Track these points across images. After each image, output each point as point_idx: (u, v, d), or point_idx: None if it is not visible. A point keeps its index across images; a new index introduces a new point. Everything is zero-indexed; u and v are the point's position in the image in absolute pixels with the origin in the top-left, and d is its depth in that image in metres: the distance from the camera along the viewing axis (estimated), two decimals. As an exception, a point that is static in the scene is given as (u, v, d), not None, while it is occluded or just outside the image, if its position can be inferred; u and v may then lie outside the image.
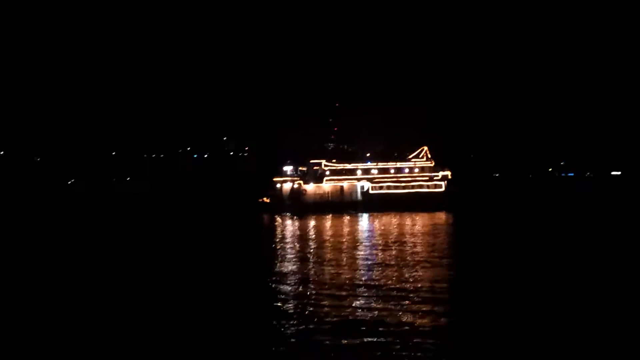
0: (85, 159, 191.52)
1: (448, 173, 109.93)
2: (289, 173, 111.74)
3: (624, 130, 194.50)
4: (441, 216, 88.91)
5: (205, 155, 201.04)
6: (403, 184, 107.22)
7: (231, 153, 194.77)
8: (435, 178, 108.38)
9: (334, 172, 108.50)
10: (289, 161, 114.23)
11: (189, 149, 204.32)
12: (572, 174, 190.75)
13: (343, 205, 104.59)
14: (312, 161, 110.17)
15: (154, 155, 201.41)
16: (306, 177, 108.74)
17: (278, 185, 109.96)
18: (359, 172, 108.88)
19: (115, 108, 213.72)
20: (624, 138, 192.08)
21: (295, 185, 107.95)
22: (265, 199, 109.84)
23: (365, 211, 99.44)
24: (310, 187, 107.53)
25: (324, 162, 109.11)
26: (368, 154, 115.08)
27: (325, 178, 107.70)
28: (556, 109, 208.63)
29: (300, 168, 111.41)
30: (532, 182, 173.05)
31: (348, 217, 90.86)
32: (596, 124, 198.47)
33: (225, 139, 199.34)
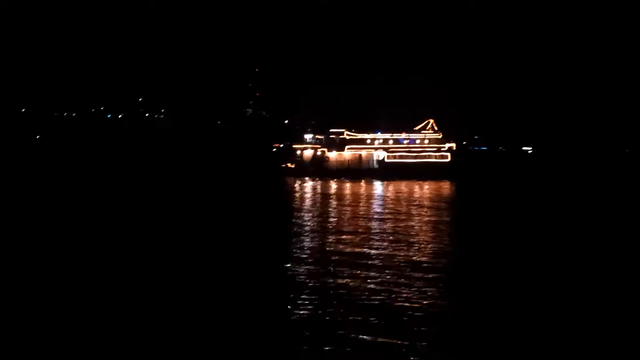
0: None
1: (453, 145, 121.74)
2: (308, 140, 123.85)
3: (536, 106, 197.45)
4: (445, 184, 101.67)
5: (120, 116, 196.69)
6: (414, 154, 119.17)
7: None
8: (442, 149, 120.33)
9: (354, 141, 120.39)
10: (309, 130, 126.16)
11: (102, 108, 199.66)
12: (484, 148, 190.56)
13: (361, 171, 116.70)
14: (332, 130, 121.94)
15: (65, 114, 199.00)
16: (328, 145, 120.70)
17: (298, 152, 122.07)
18: (376, 141, 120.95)
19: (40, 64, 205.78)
20: (536, 113, 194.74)
21: (318, 152, 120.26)
22: (289, 164, 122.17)
23: (380, 178, 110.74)
24: (332, 154, 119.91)
25: (345, 131, 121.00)
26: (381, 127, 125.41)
27: (346, 146, 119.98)
28: (470, 81, 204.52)
29: (317, 136, 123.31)
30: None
31: (364, 182, 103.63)
32: (509, 98, 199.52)
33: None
